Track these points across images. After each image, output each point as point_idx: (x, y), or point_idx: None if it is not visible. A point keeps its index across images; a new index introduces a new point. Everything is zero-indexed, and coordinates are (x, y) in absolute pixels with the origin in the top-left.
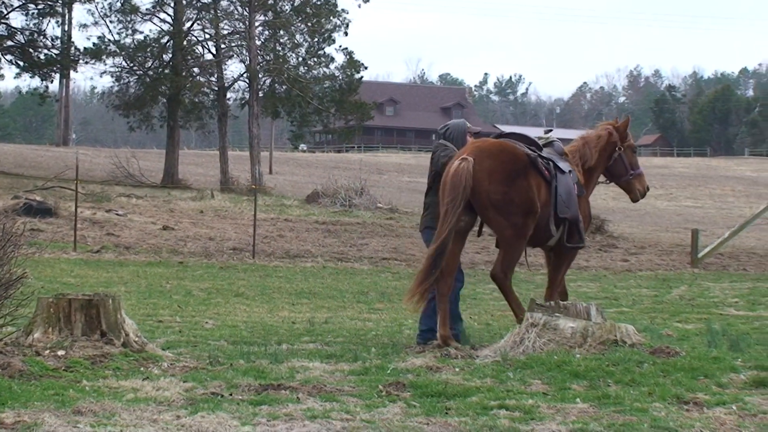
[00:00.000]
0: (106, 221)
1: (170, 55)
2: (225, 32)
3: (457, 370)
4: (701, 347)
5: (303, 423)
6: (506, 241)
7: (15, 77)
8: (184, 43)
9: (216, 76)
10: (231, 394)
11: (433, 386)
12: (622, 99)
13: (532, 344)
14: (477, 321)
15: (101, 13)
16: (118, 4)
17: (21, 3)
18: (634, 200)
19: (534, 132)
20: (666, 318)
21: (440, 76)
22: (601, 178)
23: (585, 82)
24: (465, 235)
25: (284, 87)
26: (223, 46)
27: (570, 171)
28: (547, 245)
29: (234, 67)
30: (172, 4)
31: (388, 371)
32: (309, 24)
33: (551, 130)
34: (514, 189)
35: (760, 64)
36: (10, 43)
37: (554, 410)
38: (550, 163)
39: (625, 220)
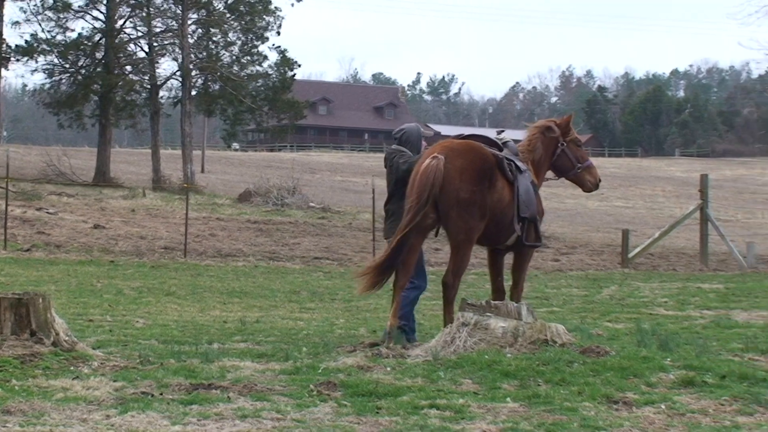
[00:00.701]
0: (37, 220)
1: (102, 53)
2: (158, 30)
3: (388, 369)
4: (631, 347)
5: (234, 422)
6: (459, 246)
7: None
8: (117, 40)
9: (148, 74)
10: (161, 394)
11: (364, 386)
12: (554, 99)
13: (463, 344)
14: None
15: (33, 11)
16: (51, 2)
17: None
18: (587, 191)
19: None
20: (596, 317)
21: (373, 76)
22: (551, 175)
23: (517, 83)
24: (427, 233)
25: (217, 85)
26: (155, 44)
27: (526, 170)
28: (505, 244)
29: (167, 65)
30: (105, 2)
31: (320, 371)
32: (242, 22)
33: (503, 131)
34: (480, 189)
35: (690, 66)
36: None
37: (485, 410)
38: (512, 163)
39: (556, 220)
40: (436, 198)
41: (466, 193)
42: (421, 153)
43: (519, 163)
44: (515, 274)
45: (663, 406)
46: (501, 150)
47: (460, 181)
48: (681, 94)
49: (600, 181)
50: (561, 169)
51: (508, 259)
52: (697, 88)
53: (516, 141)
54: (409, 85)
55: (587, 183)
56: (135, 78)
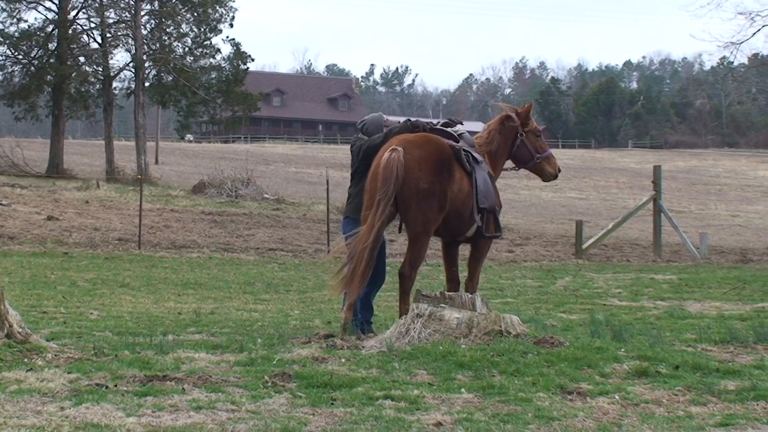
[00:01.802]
0: None
1: (55, 44)
2: (111, 21)
3: (343, 360)
4: (585, 337)
5: (188, 414)
6: (417, 237)
7: None
8: (70, 31)
9: (102, 65)
10: (116, 385)
11: (319, 377)
12: (508, 91)
13: (418, 335)
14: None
15: None
16: None
17: None
18: (546, 181)
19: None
20: (550, 308)
21: (327, 67)
22: (510, 165)
23: (471, 74)
24: (386, 225)
25: (171, 77)
26: (108, 35)
27: (482, 162)
28: (465, 235)
29: (120, 57)
30: None
31: (274, 362)
32: (195, 14)
33: (461, 123)
34: (439, 180)
35: (643, 57)
36: None
37: (439, 400)
38: (469, 155)
39: (510, 211)
40: (397, 189)
41: (426, 183)
42: (382, 133)
43: (476, 155)
44: (471, 266)
45: (617, 397)
46: (457, 141)
47: (419, 171)
48: (634, 85)
49: (560, 171)
50: (520, 159)
51: (463, 250)
52: (649, 79)
53: (472, 133)
54: (362, 77)
55: (546, 173)
56: (88, 69)
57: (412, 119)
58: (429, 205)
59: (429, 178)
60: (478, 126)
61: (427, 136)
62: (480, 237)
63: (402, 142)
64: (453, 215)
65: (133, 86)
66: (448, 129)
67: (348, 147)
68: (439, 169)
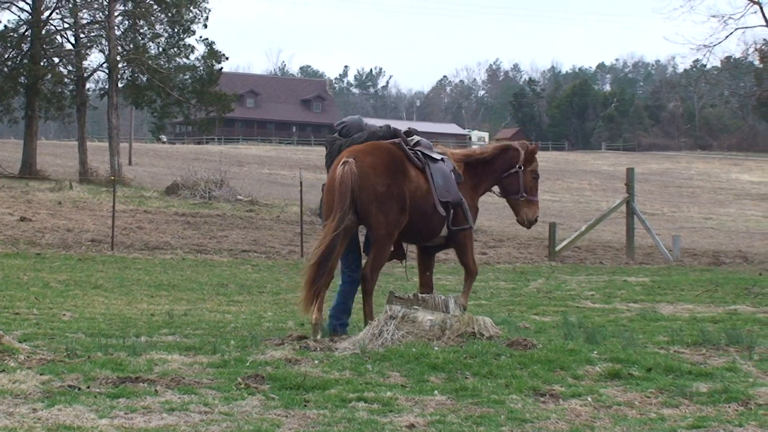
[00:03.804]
0: None
1: (29, 45)
2: (84, 21)
3: (316, 362)
4: (558, 340)
5: (161, 416)
6: (380, 240)
7: None
8: (43, 32)
9: (75, 66)
10: (88, 387)
11: (292, 379)
12: (481, 93)
13: (391, 337)
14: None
15: None
16: None
17: None
18: (519, 222)
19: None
20: (523, 310)
21: (301, 68)
22: (497, 191)
23: (445, 76)
24: (350, 235)
25: (145, 77)
26: (82, 35)
27: (443, 159)
28: (440, 236)
29: (93, 57)
30: None
31: (247, 364)
32: (169, 14)
33: (414, 132)
34: (395, 182)
35: (617, 60)
36: None
37: (412, 402)
38: (418, 153)
39: (483, 213)
40: (355, 200)
41: (383, 186)
42: (363, 133)
43: (432, 154)
44: (462, 260)
45: (589, 399)
46: (405, 141)
47: (375, 176)
48: (607, 88)
49: (536, 220)
50: (507, 189)
51: (447, 255)
52: (623, 82)
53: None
54: (336, 78)
55: (523, 214)
56: (62, 70)
57: (393, 126)
58: (389, 207)
59: (385, 181)
60: (452, 128)
61: (374, 143)
62: (453, 235)
63: (351, 153)
64: (418, 215)
65: (106, 87)
66: (398, 141)
67: (322, 149)
68: (393, 171)
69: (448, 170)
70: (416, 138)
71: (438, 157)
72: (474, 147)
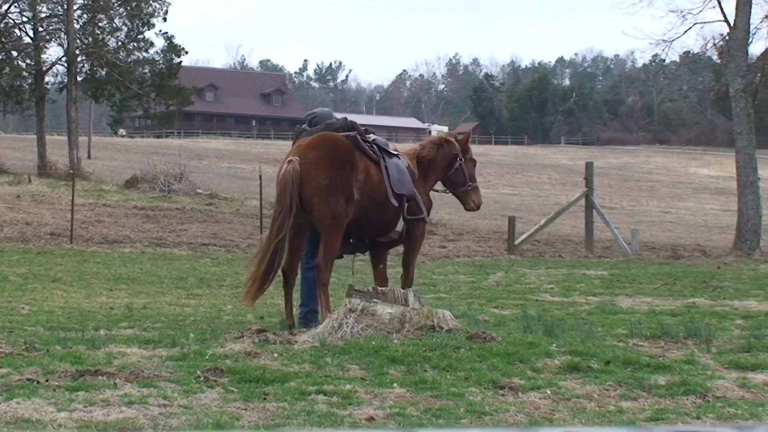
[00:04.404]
0: None
1: None
2: (43, 15)
3: (275, 355)
4: (517, 332)
5: (120, 409)
6: (328, 230)
7: None
8: (1, 25)
9: (34, 59)
10: (47, 380)
11: (252, 371)
12: (441, 87)
13: (351, 330)
14: (296, 307)
15: None
16: None
17: None
18: (468, 210)
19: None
20: (483, 304)
21: (261, 62)
22: (441, 187)
23: (405, 70)
24: (307, 231)
25: (104, 71)
26: (41, 29)
27: (398, 155)
28: (396, 230)
29: (52, 51)
30: None
31: (207, 357)
32: (128, 8)
33: (371, 132)
34: (340, 174)
35: (576, 54)
36: None
37: (372, 395)
38: (374, 146)
39: (443, 206)
40: (300, 195)
41: (325, 179)
42: (322, 125)
43: (389, 149)
44: (405, 260)
45: (548, 391)
46: (361, 135)
47: (317, 171)
48: (567, 82)
49: (481, 204)
50: (454, 182)
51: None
52: (582, 76)
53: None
54: (296, 72)
55: (471, 203)
56: (21, 64)
57: (347, 120)
58: (333, 197)
59: (327, 174)
60: (412, 122)
61: (324, 135)
62: (411, 227)
63: (298, 149)
64: (371, 206)
65: (65, 81)
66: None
67: (282, 142)
68: (338, 164)
69: (404, 166)
70: (373, 136)
71: (394, 152)
72: (412, 145)
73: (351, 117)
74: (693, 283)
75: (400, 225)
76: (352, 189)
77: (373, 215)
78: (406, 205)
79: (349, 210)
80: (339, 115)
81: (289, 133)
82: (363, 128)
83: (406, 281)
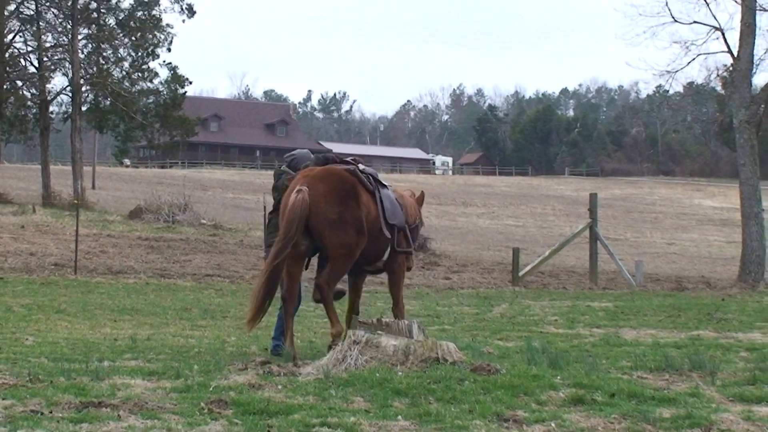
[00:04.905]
0: None
1: None
2: (48, 45)
3: (279, 387)
4: (521, 365)
5: None
6: (340, 259)
7: None
8: (6, 55)
9: (39, 89)
10: (51, 412)
11: (256, 404)
12: (445, 117)
13: (355, 362)
14: (300, 338)
15: None
16: None
17: None
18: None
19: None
20: (487, 335)
21: (265, 93)
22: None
23: (409, 100)
24: (305, 260)
25: (108, 101)
26: (45, 59)
27: (387, 186)
28: (382, 259)
29: (57, 80)
30: None
31: (211, 388)
32: (133, 38)
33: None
34: (347, 208)
35: (580, 85)
36: None
37: (376, 427)
38: (370, 177)
39: (447, 238)
40: (308, 225)
41: (334, 214)
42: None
43: (378, 179)
44: (393, 291)
45: (553, 424)
46: (357, 166)
47: (326, 204)
48: (571, 113)
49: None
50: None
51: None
52: (586, 107)
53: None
54: (300, 103)
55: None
56: (26, 93)
57: (321, 155)
58: (344, 231)
59: (336, 209)
60: (416, 152)
61: (329, 168)
62: (394, 258)
63: (306, 179)
64: (367, 237)
65: (70, 110)
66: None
67: None
68: (344, 198)
69: (394, 197)
70: (362, 166)
71: (385, 183)
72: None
73: (355, 148)
74: (697, 315)
75: (386, 254)
76: (363, 222)
77: (367, 245)
78: (396, 235)
79: (361, 242)
80: (342, 147)
81: None
82: (351, 158)
83: (398, 311)
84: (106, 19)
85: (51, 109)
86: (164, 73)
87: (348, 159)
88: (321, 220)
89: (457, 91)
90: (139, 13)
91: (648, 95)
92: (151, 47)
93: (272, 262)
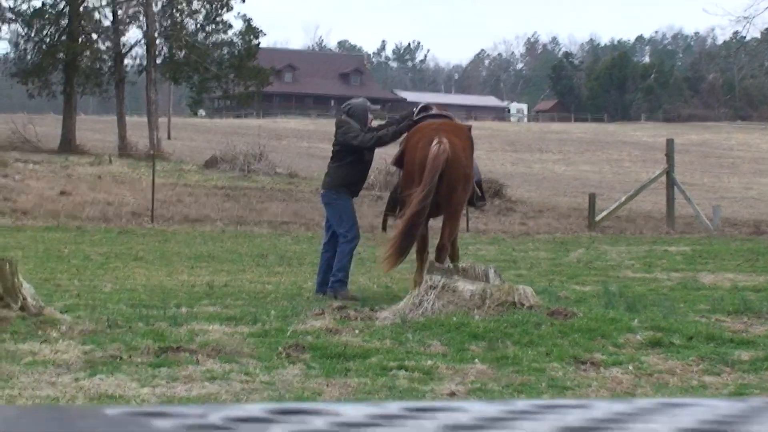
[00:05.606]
0: (3, 187)
1: (67, 22)
2: None
3: (356, 332)
4: (598, 309)
5: (202, 384)
6: (455, 215)
7: None
8: (81, 9)
9: (113, 42)
10: (130, 357)
11: (333, 348)
12: (520, 66)
13: (431, 306)
14: (376, 283)
15: None
16: None
17: None
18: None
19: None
20: (563, 280)
21: (339, 43)
22: None
23: (483, 49)
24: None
25: (183, 53)
26: (120, 12)
27: None
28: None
29: (131, 33)
30: None
31: (288, 333)
32: None
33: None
34: (471, 163)
35: (656, 32)
36: None
37: (453, 371)
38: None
39: (523, 184)
40: (442, 176)
41: (468, 168)
42: (368, 127)
43: None
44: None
45: (630, 367)
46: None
47: (465, 159)
48: (646, 60)
49: None
50: None
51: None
52: (662, 54)
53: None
54: (374, 52)
55: None
56: (100, 47)
57: (422, 104)
58: (469, 186)
59: (470, 163)
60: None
61: (455, 123)
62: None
63: (441, 132)
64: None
65: (144, 63)
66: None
67: None
68: (471, 153)
69: None
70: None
71: None
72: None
73: (430, 96)
74: None
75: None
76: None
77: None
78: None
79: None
80: (419, 96)
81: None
82: (424, 104)
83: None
84: None
85: (126, 61)
86: (238, 25)
87: (423, 105)
88: (459, 175)
89: (532, 39)
90: None
91: (724, 41)
92: None
93: (414, 210)
